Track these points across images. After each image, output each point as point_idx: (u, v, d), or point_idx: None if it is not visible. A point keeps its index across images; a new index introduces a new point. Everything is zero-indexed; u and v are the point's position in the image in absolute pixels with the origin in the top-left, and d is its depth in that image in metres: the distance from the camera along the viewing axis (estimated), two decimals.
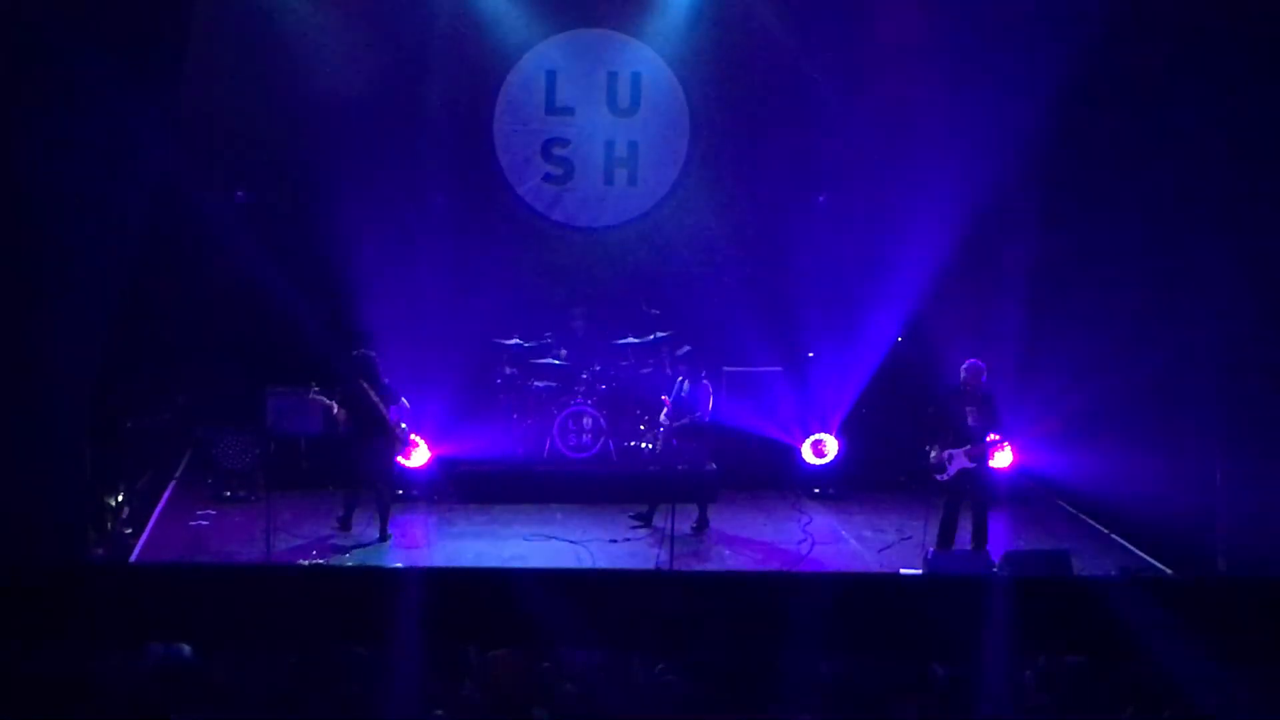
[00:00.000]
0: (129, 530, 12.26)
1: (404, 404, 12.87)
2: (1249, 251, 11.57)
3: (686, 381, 13.35)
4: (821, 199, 15.38)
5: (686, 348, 13.67)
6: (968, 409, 11.91)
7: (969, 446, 11.84)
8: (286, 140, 14.51)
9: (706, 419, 13.32)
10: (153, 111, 10.38)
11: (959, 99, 14.08)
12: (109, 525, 12.01)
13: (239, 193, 14.62)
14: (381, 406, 12.56)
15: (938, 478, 11.97)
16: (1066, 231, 13.63)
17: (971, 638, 7.20)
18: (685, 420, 13.28)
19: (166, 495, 13.70)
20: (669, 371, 14.10)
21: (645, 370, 14.65)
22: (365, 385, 12.51)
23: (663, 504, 12.71)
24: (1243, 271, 11.66)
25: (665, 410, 13.55)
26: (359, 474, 12.72)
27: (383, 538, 12.62)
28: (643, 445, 14.39)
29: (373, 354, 12.80)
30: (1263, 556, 11.12)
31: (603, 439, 14.39)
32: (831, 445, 14.51)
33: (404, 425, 12.88)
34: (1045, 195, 14.00)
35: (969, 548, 11.97)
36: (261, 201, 14.62)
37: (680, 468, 13.27)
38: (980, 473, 11.96)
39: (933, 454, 11.96)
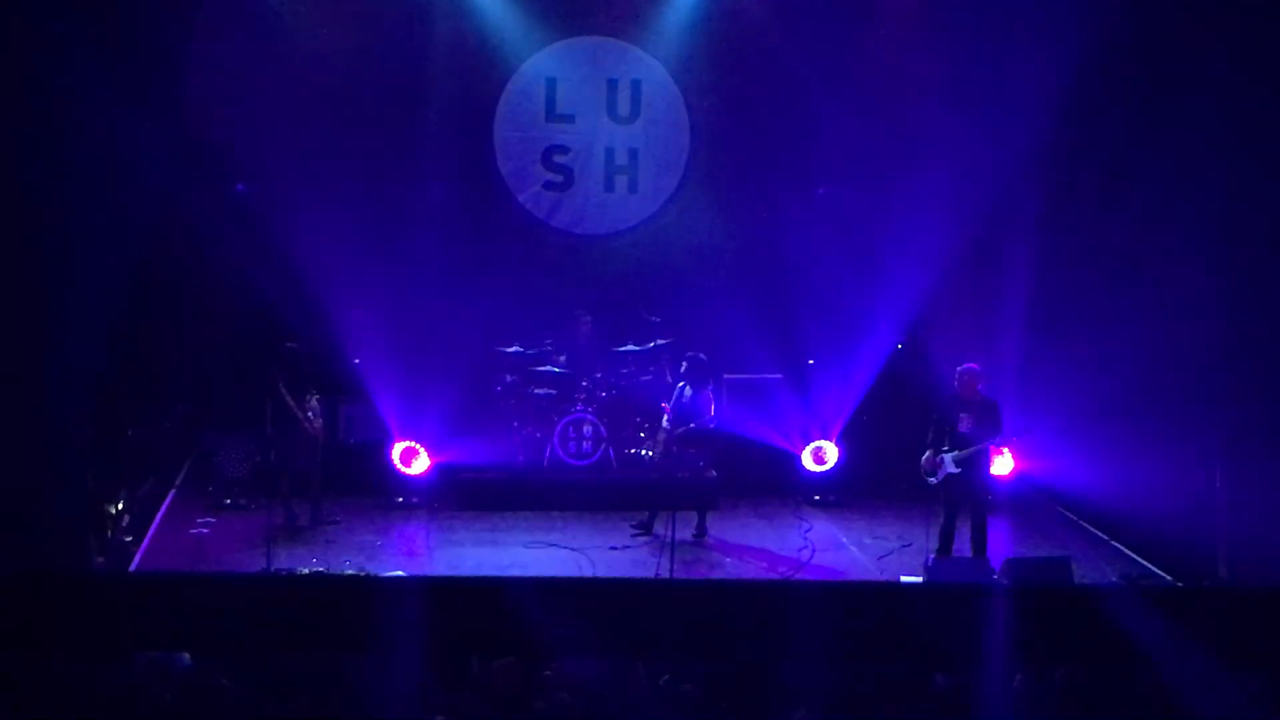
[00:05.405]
0: (129, 538, 12.25)
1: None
2: (1248, 256, 11.58)
3: (688, 388, 13.31)
4: (820, 191, 15.36)
5: (688, 360, 13.63)
6: (961, 415, 11.89)
7: (956, 452, 11.82)
8: (286, 148, 14.49)
9: (708, 426, 13.31)
10: (153, 121, 10.42)
11: (959, 102, 14.08)
12: (109, 533, 11.99)
13: (239, 185, 14.65)
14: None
15: (929, 481, 11.98)
16: (1066, 236, 13.63)
17: (972, 646, 7.19)
18: (686, 427, 13.26)
19: (167, 503, 13.70)
20: (669, 379, 14.08)
21: (646, 378, 14.63)
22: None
23: (663, 511, 12.69)
24: (1242, 276, 11.66)
25: (666, 417, 13.53)
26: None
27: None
28: (643, 453, 14.37)
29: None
30: (1265, 564, 11.10)
31: (603, 446, 14.36)
32: (832, 452, 14.51)
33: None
34: (1045, 199, 14.00)
35: (969, 555, 11.96)
36: (261, 209, 14.61)
37: (681, 475, 13.25)
38: (972, 479, 11.92)
39: (925, 458, 11.98)
